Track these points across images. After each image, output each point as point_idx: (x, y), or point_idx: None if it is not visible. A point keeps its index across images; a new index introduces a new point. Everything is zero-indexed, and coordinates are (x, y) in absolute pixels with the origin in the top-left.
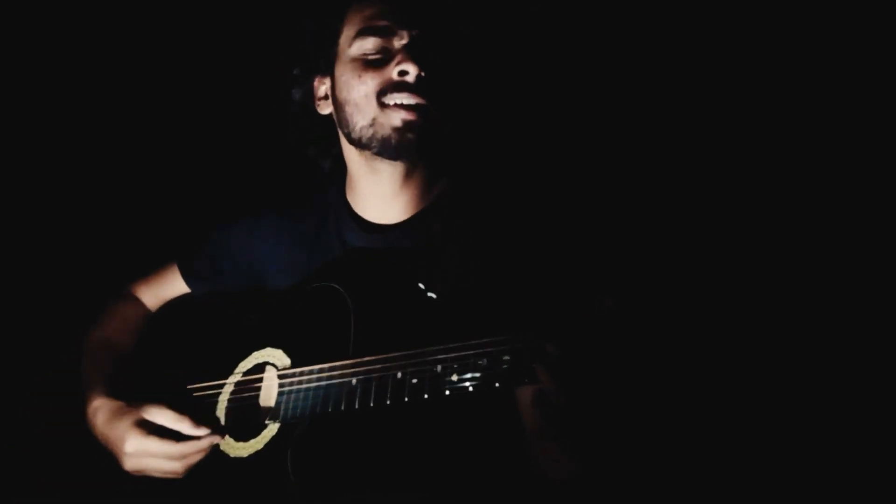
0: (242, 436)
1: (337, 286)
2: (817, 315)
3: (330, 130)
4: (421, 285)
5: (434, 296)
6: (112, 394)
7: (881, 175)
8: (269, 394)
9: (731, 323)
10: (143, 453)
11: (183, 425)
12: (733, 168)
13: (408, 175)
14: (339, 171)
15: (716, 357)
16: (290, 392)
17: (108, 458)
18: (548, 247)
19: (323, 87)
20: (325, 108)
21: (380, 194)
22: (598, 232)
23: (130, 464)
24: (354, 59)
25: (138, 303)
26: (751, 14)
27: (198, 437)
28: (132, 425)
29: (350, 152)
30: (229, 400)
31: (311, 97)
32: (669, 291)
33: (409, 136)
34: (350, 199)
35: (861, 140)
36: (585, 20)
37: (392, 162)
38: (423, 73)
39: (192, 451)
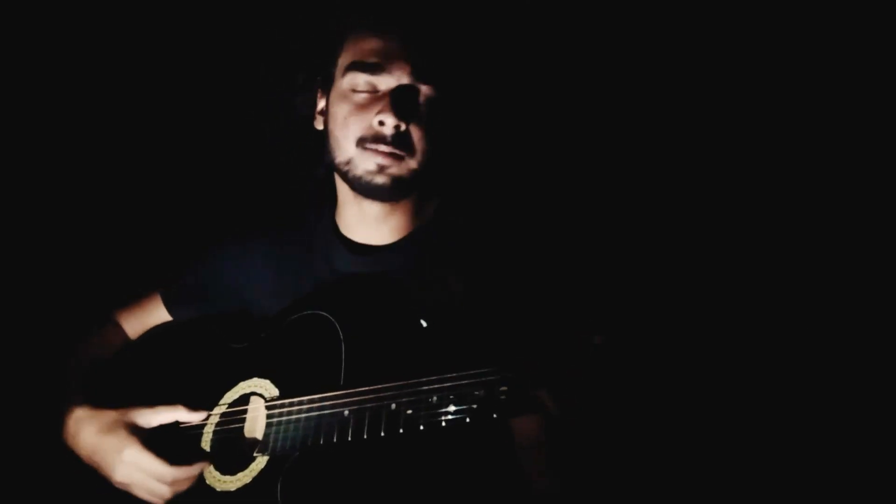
0: (229, 469)
1: (326, 314)
2: (803, 348)
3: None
4: (413, 312)
5: (424, 323)
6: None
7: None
8: (255, 425)
9: (723, 357)
10: (136, 466)
11: (179, 413)
12: (723, 203)
13: (392, 205)
14: (330, 188)
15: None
16: (279, 423)
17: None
18: (540, 271)
19: (322, 102)
20: (320, 124)
21: (366, 219)
22: (590, 259)
23: (122, 473)
24: (345, 94)
25: (120, 329)
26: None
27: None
28: (131, 434)
29: (337, 174)
30: (215, 432)
31: (312, 108)
32: (660, 326)
33: (381, 179)
34: (339, 220)
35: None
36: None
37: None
38: (401, 127)
39: (181, 477)
